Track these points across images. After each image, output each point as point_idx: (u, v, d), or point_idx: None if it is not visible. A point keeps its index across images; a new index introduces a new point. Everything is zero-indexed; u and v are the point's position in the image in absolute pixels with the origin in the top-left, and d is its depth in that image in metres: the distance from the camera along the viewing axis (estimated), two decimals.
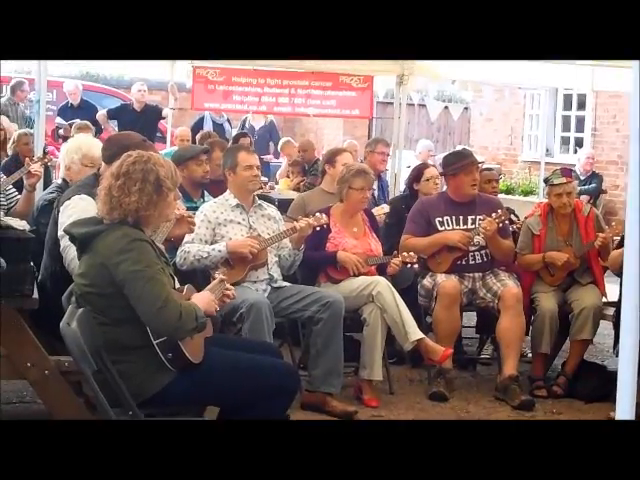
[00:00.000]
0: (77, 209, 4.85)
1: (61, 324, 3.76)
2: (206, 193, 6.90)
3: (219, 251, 5.90)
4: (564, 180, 6.81)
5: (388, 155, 9.26)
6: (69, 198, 5.04)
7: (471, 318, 7.60)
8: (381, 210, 7.80)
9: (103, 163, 5.12)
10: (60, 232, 4.87)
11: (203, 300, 4.12)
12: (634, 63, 2.77)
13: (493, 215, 6.60)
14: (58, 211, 5.10)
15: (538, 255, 6.83)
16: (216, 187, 6.91)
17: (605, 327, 7.01)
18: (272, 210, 6.35)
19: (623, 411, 2.90)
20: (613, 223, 7.03)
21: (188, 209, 6.24)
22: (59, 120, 13.18)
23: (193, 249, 5.88)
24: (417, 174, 7.68)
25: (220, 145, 8.17)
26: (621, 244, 6.44)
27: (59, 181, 6.15)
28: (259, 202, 6.27)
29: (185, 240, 5.91)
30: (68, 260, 4.84)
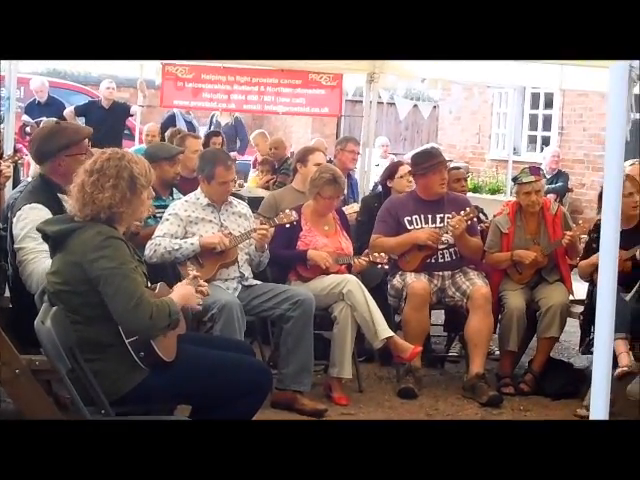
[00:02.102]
0: (28, 220, 4.69)
1: (35, 322, 3.75)
2: (175, 190, 6.89)
3: (191, 244, 5.90)
4: (533, 178, 6.87)
5: (358, 154, 9.28)
6: (20, 208, 4.83)
7: (439, 316, 7.64)
8: (352, 209, 7.83)
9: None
10: (16, 245, 4.75)
11: (184, 294, 4.13)
12: (610, 63, 2.80)
13: (462, 213, 6.65)
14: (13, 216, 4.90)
15: (506, 253, 6.89)
16: (186, 183, 6.92)
17: (572, 324, 7.09)
18: (243, 207, 6.36)
19: (597, 410, 2.94)
20: (580, 221, 7.11)
21: (157, 207, 6.25)
22: (26, 118, 13.08)
23: (164, 242, 5.88)
24: (391, 171, 7.70)
25: (193, 136, 8.21)
26: (588, 253, 6.51)
27: (29, 179, 6.12)
28: (230, 199, 6.28)
29: (155, 234, 5.92)
30: (25, 276, 4.68)
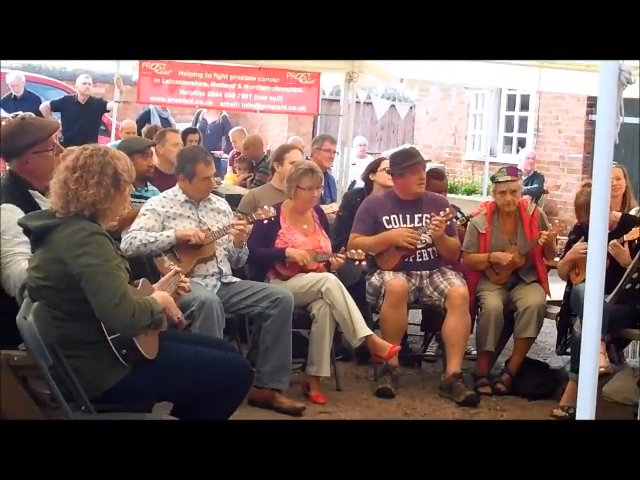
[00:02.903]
0: (1, 222, 4.54)
1: (17, 317, 3.71)
2: (149, 184, 6.90)
3: (167, 237, 5.88)
4: (509, 178, 6.91)
5: (334, 152, 9.28)
6: None
7: (416, 315, 7.66)
8: (330, 209, 7.84)
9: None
10: None
11: (166, 297, 4.12)
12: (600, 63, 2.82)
13: (441, 213, 6.67)
14: None
15: (484, 255, 6.92)
16: (162, 179, 6.91)
17: (548, 325, 7.13)
18: (222, 204, 6.34)
19: (584, 411, 2.96)
20: (556, 221, 7.16)
21: (132, 197, 6.21)
22: (2, 112, 12.99)
23: (140, 235, 5.86)
24: (374, 165, 7.71)
25: (172, 130, 8.22)
26: (567, 251, 6.56)
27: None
28: (209, 196, 6.26)
29: (132, 228, 5.89)
30: (2, 280, 4.52)
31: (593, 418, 3.00)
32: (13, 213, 4.53)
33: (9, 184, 4.80)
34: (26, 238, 4.34)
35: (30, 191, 4.73)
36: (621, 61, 2.86)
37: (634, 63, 3.29)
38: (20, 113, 11.03)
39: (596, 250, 2.90)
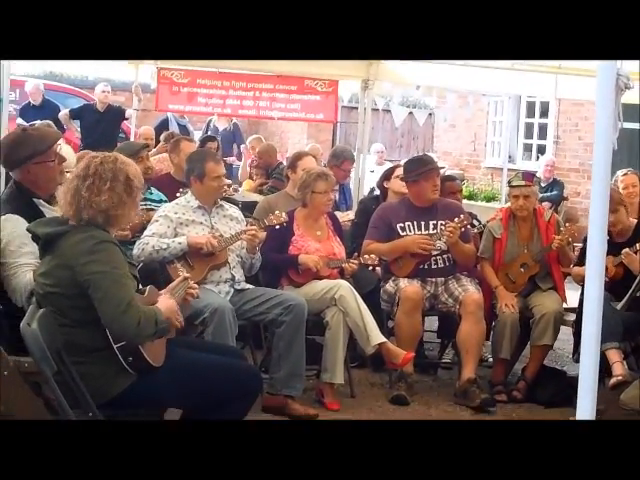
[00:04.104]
0: (5, 234, 4.56)
1: (21, 324, 3.71)
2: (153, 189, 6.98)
3: (179, 243, 5.87)
4: (522, 183, 6.88)
5: (351, 171, 9.38)
6: None
7: (432, 322, 7.63)
8: (346, 216, 7.84)
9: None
10: (2, 259, 4.55)
11: (168, 306, 4.10)
12: (598, 65, 2.79)
13: (456, 220, 6.64)
14: None
15: (494, 278, 6.86)
16: (175, 187, 6.93)
17: (565, 333, 7.07)
18: (234, 211, 6.34)
19: (584, 411, 2.93)
20: (567, 224, 7.09)
21: None
22: (20, 121, 13.07)
23: (152, 241, 5.86)
24: (389, 172, 7.72)
25: (187, 139, 8.27)
26: (583, 258, 6.51)
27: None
28: (220, 203, 6.26)
29: (145, 234, 5.90)
30: (9, 291, 4.52)
31: (593, 418, 2.97)
32: (17, 223, 4.53)
33: (13, 194, 4.81)
34: (31, 248, 4.35)
35: (34, 200, 4.73)
36: (619, 66, 2.83)
37: (633, 68, 3.25)
38: (38, 122, 11.13)
39: (595, 256, 2.88)
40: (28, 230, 4.17)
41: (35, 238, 4.11)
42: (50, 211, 4.64)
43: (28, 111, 13.57)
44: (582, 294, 6.37)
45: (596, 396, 3.02)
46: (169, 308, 4.08)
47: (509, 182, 7.07)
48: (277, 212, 6.29)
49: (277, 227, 6.23)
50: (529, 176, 7.05)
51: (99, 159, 4.08)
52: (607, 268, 5.77)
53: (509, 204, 7.24)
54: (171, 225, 5.99)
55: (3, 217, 4.63)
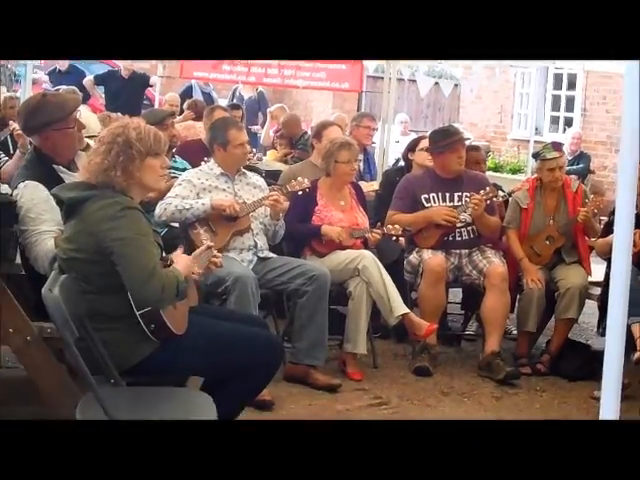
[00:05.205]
0: (24, 200, 4.54)
1: (43, 290, 3.69)
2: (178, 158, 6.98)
3: (202, 204, 5.84)
4: (557, 154, 6.82)
5: (374, 129, 9.20)
6: (16, 186, 4.64)
7: (456, 294, 7.59)
8: (371, 187, 7.78)
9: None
10: (18, 226, 4.55)
11: (186, 264, 4.05)
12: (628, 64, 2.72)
13: (481, 192, 6.59)
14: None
15: (521, 251, 6.80)
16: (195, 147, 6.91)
17: (589, 306, 7.01)
18: (257, 179, 6.30)
19: (609, 385, 2.87)
20: (592, 195, 7.01)
21: None
22: (45, 86, 13.06)
23: (175, 201, 5.83)
24: (413, 144, 7.63)
25: (222, 107, 8.27)
26: (607, 231, 6.44)
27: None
28: (243, 171, 6.22)
29: (167, 195, 5.87)
30: (31, 259, 4.52)
31: (617, 418, 2.89)
32: (36, 190, 4.52)
33: (33, 159, 4.79)
34: (52, 215, 4.33)
35: (54, 166, 4.71)
36: None
37: None
38: (63, 87, 11.12)
39: (623, 229, 2.80)
40: (52, 195, 4.15)
41: (59, 202, 4.09)
42: (70, 177, 4.61)
43: (54, 76, 13.58)
44: (608, 267, 6.39)
45: (622, 370, 2.95)
46: (187, 267, 4.04)
47: (538, 155, 6.96)
48: (299, 178, 6.25)
49: (300, 193, 6.20)
50: (559, 146, 7.00)
51: (113, 125, 4.09)
52: (634, 242, 5.69)
53: (535, 175, 7.17)
54: (194, 190, 5.96)
55: (22, 184, 4.61)
